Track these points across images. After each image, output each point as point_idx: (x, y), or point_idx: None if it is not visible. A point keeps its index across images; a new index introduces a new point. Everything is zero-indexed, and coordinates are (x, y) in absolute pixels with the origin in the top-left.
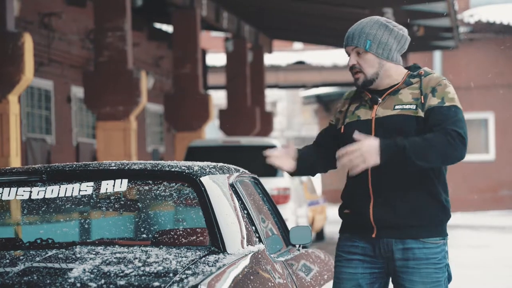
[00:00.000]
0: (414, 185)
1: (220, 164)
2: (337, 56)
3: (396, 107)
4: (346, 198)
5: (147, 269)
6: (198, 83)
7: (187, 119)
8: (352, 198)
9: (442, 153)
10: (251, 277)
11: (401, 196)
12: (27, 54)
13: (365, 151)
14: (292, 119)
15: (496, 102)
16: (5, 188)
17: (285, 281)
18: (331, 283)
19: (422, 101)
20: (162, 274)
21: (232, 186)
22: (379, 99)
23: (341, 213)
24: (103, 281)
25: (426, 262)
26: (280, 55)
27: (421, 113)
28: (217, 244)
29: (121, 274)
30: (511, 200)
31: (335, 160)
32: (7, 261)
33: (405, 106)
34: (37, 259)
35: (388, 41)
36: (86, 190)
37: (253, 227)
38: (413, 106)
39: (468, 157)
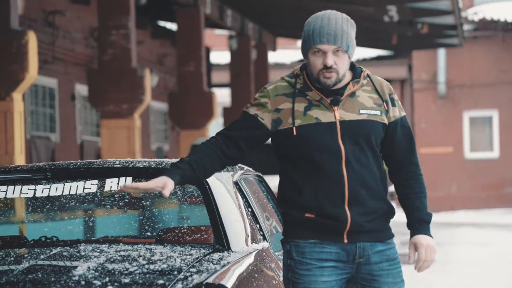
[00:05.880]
0: (376, 190)
1: None
2: None
3: (362, 111)
4: (310, 202)
5: (152, 267)
6: (202, 81)
7: (191, 117)
8: (322, 202)
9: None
10: (256, 275)
11: (370, 200)
12: (31, 52)
13: (430, 248)
14: None
15: (500, 100)
16: (9, 186)
17: None
18: None
19: (386, 108)
20: (167, 272)
21: (236, 184)
22: (341, 99)
23: (297, 217)
24: (107, 279)
25: (394, 262)
26: (284, 53)
27: (385, 120)
28: (221, 242)
29: (126, 272)
30: None
31: (240, 154)
32: (12, 259)
33: (370, 111)
34: (42, 257)
35: (354, 41)
36: (90, 188)
37: (258, 225)
38: (378, 112)
39: (473, 155)
